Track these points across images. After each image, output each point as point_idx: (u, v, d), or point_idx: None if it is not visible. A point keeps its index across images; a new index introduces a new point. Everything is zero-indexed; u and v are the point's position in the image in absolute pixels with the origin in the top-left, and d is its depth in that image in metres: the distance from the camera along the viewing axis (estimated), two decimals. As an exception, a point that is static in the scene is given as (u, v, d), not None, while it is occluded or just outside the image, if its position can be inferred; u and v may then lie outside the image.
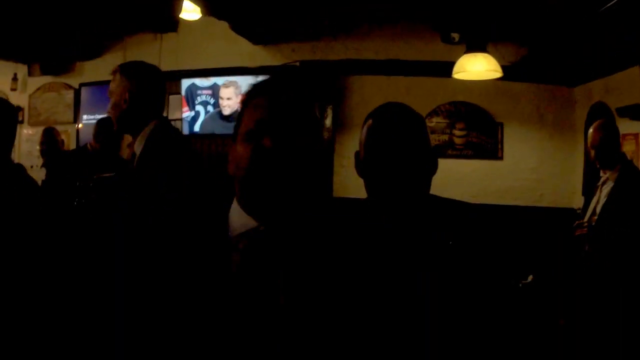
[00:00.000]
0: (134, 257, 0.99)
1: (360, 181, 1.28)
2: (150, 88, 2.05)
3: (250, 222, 0.94)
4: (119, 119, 2.05)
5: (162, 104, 2.14)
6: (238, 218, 0.96)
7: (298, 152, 0.92)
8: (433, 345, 1.20)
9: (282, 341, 0.89)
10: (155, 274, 0.94)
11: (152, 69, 2.12)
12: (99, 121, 3.75)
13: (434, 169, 1.29)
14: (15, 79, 6.30)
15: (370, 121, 1.28)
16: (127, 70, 2.05)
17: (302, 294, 0.92)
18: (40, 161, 4.59)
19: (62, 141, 4.73)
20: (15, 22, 4.75)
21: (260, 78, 1.05)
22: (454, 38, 4.26)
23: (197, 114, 5.11)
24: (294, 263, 0.93)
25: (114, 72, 2.07)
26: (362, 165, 1.27)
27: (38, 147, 4.66)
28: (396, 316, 1.11)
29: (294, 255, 0.93)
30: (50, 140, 4.48)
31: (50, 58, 5.99)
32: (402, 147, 1.22)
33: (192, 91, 5.10)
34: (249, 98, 0.98)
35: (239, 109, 1.01)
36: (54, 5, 4.48)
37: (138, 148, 2.00)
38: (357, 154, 1.31)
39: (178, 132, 2.66)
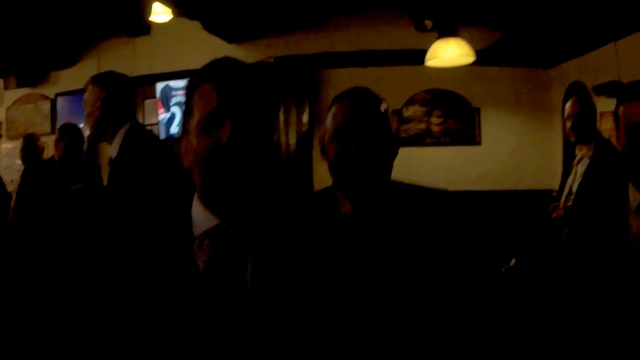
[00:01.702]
0: (108, 265, 0.96)
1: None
2: (120, 94, 2.24)
3: (211, 220, 0.91)
4: (94, 127, 2.23)
5: (134, 109, 2.35)
6: (199, 215, 0.93)
7: (255, 142, 0.89)
8: (393, 328, 1.20)
9: (255, 333, 0.87)
10: (128, 277, 0.92)
11: (121, 77, 2.33)
12: (62, 127, 3.92)
13: (394, 153, 1.31)
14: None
15: (334, 106, 1.31)
16: (98, 80, 2.26)
17: (268, 283, 0.90)
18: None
19: (42, 149, 4.67)
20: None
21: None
22: (426, 25, 4.26)
23: (173, 115, 5.08)
24: (260, 255, 0.91)
25: (86, 85, 2.28)
26: (327, 150, 1.30)
27: (19, 158, 4.63)
28: (358, 302, 1.10)
29: (259, 248, 0.91)
30: (30, 147, 4.44)
31: (25, 69, 5.94)
32: (361, 130, 1.23)
33: (167, 93, 5.07)
34: (194, 86, 0.94)
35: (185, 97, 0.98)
36: (26, 16, 4.44)
37: (114, 152, 2.17)
38: (321, 138, 1.33)
39: (151, 132, 2.98)
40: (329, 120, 1.30)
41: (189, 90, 0.95)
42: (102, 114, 2.19)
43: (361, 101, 1.29)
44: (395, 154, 1.31)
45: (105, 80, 2.26)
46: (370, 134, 1.23)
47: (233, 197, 0.88)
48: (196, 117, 0.91)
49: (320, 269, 0.97)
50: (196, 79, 0.95)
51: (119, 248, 0.95)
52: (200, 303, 0.87)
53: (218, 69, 0.95)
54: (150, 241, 0.94)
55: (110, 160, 2.21)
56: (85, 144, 4.09)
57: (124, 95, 2.27)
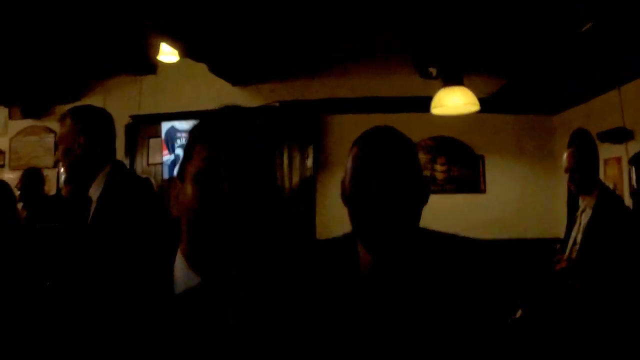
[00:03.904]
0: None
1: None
2: (103, 131, 2.01)
3: (193, 279, 0.86)
4: (71, 166, 1.99)
5: (114, 147, 2.09)
6: (181, 273, 0.89)
7: (253, 193, 0.85)
8: None
9: None
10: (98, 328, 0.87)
11: (102, 112, 2.08)
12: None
13: (425, 198, 1.17)
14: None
15: (356, 147, 1.18)
16: (77, 114, 2.01)
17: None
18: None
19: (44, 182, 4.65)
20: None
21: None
22: (431, 73, 4.28)
23: (177, 157, 5.08)
24: (249, 324, 0.85)
25: (62, 118, 2.02)
26: (347, 194, 1.16)
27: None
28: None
29: (248, 316, 0.86)
30: (31, 181, 4.40)
31: (31, 101, 5.97)
32: (390, 174, 1.10)
33: (172, 134, 5.07)
34: (198, 134, 0.91)
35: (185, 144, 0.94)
36: (34, 49, 4.48)
37: (95, 193, 1.94)
38: (342, 182, 1.20)
39: (135, 174, 2.66)
40: (349, 163, 1.16)
41: (192, 137, 0.92)
42: (84, 153, 1.94)
43: (386, 139, 1.16)
44: (426, 199, 1.17)
45: (85, 115, 2.02)
46: (397, 173, 1.10)
47: (223, 254, 0.84)
48: (194, 165, 0.87)
49: (332, 345, 0.91)
50: (200, 127, 0.92)
51: (96, 291, 0.91)
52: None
53: (223, 119, 0.91)
54: (130, 292, 0.90)
55: (89, 202, 1.97)
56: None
57: (106, 132, 2.03)
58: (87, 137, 1.95)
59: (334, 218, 4.26)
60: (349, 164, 1.17)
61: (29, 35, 4.19)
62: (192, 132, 0.93)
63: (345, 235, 1.21)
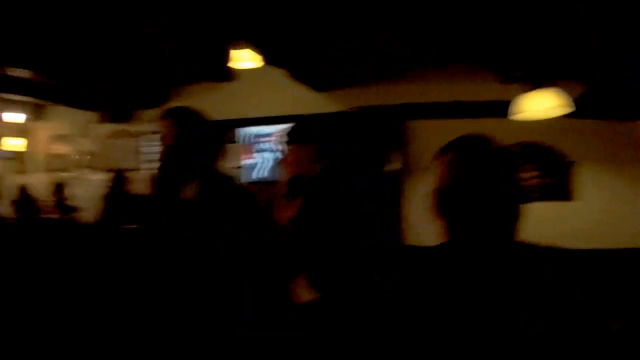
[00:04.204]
0: None
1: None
2: (200, 132, 2.04)
3: None
4: (169, 165, 2.02)
5: (212, 149, 2.09)
6: None
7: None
8: None
9: None
10: None
11: (200, 114, 2.10)
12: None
13: (521, 209, 1.17)
14: (83, 125, 6.64)
15: (450, 155, 1.18)
16: (177, 114, 2.06)
17: None
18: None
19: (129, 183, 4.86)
20: (83, 74, 5.02)
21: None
22: (514, 77, 4.12)
23: (257, 161, 5.16)
24: None
25: (162, 118, 2.07)
26: (442, 204, 1.16)
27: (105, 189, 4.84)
28: None
29: None
30: (118, 182, 4.62)
31: (116, 106, 6.29)
32: (490, 187, 1.11)
33: (252, 139, 5.16)
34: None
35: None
36: (120, 57, 4.70)
37: (191, 193, 1.96)
38: (436, 191, 1.19)
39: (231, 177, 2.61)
40: (448, 172, 1.16)
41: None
42: (182, 152, 1.98)
43: (487, 151, 1.17)
44: (522, 208, 1.16)
45: (185, 115, 2.05)
46: (501, 189, 1.12)
47: None
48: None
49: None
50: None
51: None
52: None
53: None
54: None
55: (183, 202, 1.97)
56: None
57: (204, 133, 2.05)
58: (186, 137, 1.99)
59: (421, 224, 4.15)
60: (445, 173, 1.15)
61: (116, 43, 4.39)
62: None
63: (442, 245, 1.19)
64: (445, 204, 1.15)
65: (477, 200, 1.10)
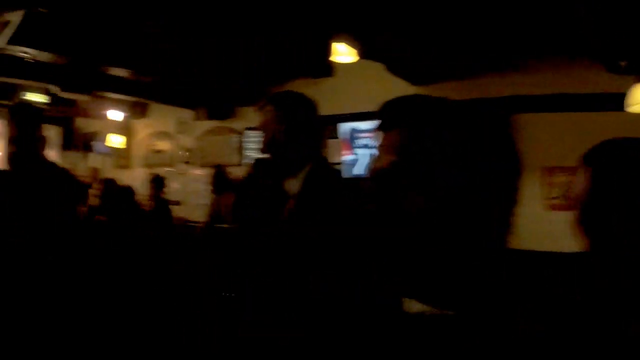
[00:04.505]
0: None
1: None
2: (306, 118, 1.83)
3: None
4: (273, 156, 1.85)
5: (319, 138, 1.91)
6: None
7: None
8: None
9: None
10: None
11: (305, 98, 1.89)
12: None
13: None
14: (182, 122, 6.95)
15: (595, 165, 1.08)
16: (279, 100, 1.86)
17: None
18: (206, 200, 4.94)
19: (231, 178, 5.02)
20: (183, 72, 5.25)
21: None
22: (621, 66, 3.77)
23: (357, 157, 5.12)
24: None
25: (262, 106, 1.86)
26: (588, 219, 1.07)
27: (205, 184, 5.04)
28: None
29: None
30: (219, 177, 4.79)
31: (215, 104, 6.52)
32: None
33: (352, 134, 5.13)
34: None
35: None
36: (219, 55, 4.85)
37: (294, 187, 1.79)
38: (580, 205, 1.09)
39: (339, 174, 2.31)
40: (587, 184, 1.06)
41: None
42: (286, 142, 1.78)
43: (633, 159, 1.06)
44: None
45: (288, 100, 1.85)
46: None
47: None
48: None
49: None
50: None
51: None
52: None
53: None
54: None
55: (288, 196, 1.80)
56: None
57: (311, 121, 1.85)
58: (290, 124, 1.79)
59: (533, 222, 3.90)
60: (588, 186, 1.06)
61: (215, 42, 4.54)
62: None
63: (581, 254, 1.11)
64: (591, 219, 1.07)
65: (629, 217, 1.01)
